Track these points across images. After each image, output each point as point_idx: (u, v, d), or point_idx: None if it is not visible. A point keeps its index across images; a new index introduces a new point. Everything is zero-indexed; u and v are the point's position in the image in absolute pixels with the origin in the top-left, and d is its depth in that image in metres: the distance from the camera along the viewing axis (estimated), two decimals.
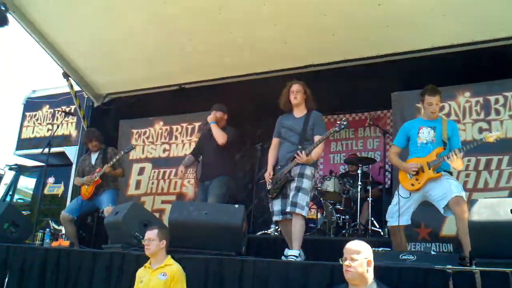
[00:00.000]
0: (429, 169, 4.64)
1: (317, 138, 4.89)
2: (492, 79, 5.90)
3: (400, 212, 4.72)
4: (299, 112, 5.19)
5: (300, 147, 4.87)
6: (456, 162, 4.53)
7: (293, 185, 4.84)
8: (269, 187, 5.06)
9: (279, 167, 5.07)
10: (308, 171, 4.86)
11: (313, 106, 5.18)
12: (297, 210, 4.74)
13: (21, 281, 5.11)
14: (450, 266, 3.54)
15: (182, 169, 6.24)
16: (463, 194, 4.55)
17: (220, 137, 5.94)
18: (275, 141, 5.28)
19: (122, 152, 6.61)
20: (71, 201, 7.99)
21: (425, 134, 4.80)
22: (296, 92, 5.18)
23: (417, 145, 4.83)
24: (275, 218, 5.08)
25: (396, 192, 4.86)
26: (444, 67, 6.09)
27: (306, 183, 4.83)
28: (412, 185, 4.73)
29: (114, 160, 6.52)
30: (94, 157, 6.82)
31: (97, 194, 6.55)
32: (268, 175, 5.10)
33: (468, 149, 4.64)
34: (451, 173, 4.76)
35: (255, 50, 6.80)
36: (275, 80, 7.18)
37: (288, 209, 4.82)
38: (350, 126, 8.54)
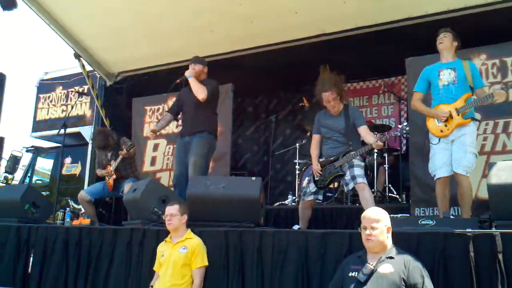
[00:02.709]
0: (458, 115, 4.62)
1: (363, 128, 5.11)
2: (508, 40, 5.77)
3: (438, 163, 4.72)
4: (336, 108, 5.27)
5: (350, 143, 5.08)
6: (500, 95, 4.52)
7: (348, 175, 5.05)
8: (316, 178, 5.21)
9: (324, 160, 5.22)
10: (356, 161, 5.06)
11: (344, 96, 5.33)
12: (359, 180, 4.95)
13: (45, 259, 5.21)
14: (469, 230, 3.53)
15: (153, 128, 6.15)
16: (472, 168, 4.60)
17: (200, 92, 5.64)
18: (316, 137, 5.41)
19: (125, 151, 6.47)
20: (89, 180, 8.10)
21: (446, 76, 4.76)
22: (332, 101, 5.20)
23: (438, 88, 4.80)
24: (306, 198, 5.27)
25: (431, 145, 4.85)
26: (458, 30, 5.97)
27: (357, 170, 5.04)
28: (441, 131, 4.73)
29: (115, 164, 6.56)
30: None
31: (119, 185, 6.67)
32: (316, 166, 5.24)
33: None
34: (477, 120, 4.79)
35: (265, 22, 6.71)
36: (287, 51, 7.14)
37: (351, 185, 5.02)
38: (364, 94, 8.50)
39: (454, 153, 4.64)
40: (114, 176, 6.61)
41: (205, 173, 5.75)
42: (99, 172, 6.93)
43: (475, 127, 4.78)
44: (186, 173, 5.70)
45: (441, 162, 4.70)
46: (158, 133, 6.29)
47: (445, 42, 4.85)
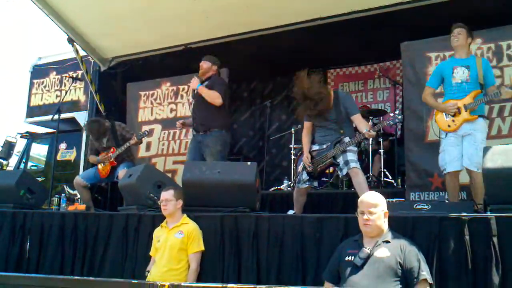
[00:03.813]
0: (466, 111, 4.67)
1: (356, 117, 5.06)
2: (504, 24, 5.76)
3: (448, 158, 4.76)
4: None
5: (342, 131, 5.04)
6: (507, 93, 4.58)
7: (341, 161, 5.01)
8: (309, 169, 5.16)
9: (317, 149, 5.19)
10: (349, 147, 5.02)
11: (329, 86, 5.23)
12: (352, 165, 4.91)
13: (41, 245, 5.21)
14: (464, 214, 3.55)
15: (180, 122, 6.30)
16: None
17: (214, 99, 5.75)
18: (307, 124, 5.35)
19: (137, 138, 6.50)
20: (84, 165, 8.08)
21: (460, 74, 4.80)
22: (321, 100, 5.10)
23: (452, 85, 4.85)
24: (300, 185, 5.24)
25: (440, 139, 4.92)
26: (453, 14, 5.92)
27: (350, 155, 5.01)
28: (449, 126, 4.79)
29: (125, 147, 6.52)
30: (104, 137, 6.81)
31: (114, 170, 6.66)
32: (306, 158, 5.19)
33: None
34: (486, 118, 4.83)
35: (260, 7, 6.65)
36: (282, 35, 7.09)
37: (345, 170, 4.97)
38: (359, 78, 8.49)
39: (465, 149, 4.68)
40: (115, 163, 6.58)
41: None
42: (92, 158, 6.89)
43: (485, 124, 4.81)
44: None
45: (451, 157, 4.75)
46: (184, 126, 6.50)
47: (460, 39, 4.87)
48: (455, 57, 4.95)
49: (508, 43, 5.70)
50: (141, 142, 6.92)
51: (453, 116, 4.74)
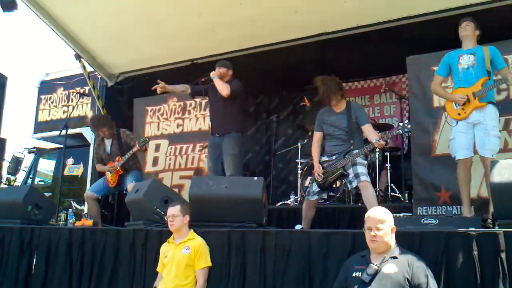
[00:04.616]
0: (475, 98, 4.71)
1: (367, 127, 5.10)
2: (506, 38, 5.76)
3: (457, 146, 4.80)
4: (339, 106, 5.27)
5: (352, 142, 5.07)
6: None
7: (351, 173, 5.02)
8: (319, 179, 5.17)
9: (327, 160, 5.20)
10: (359, 160, 5.04)
11: (345, 94, 5.36)
12: (362, 178, 4.93)
13: (48, 261, 5.22)
14: (472, 229, 3.53)
15: (163, 84, 6.24)
16: (497, 150, 4.72)
17: (223, 88, 5.87)
18: (317, 135, 5.37)
19: (138, 146, 6.45)
20: (91, 180, 8.10)
21: (465, 60, 4.87)
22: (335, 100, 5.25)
23: (458, 72, 4.90)
24: (310, 197, 5.23)
25: (451, 127, 4.94)
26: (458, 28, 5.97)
27: (361, 168, 5.02)
28: (459, 114, 4.83)
29: (128, 155, 6.49)
30: (108, 143, 6.80)
31: (122, 179, 6.63)
32: (317, 168, 5.20)
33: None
34: (495, 105, 4.83)
35: (266, 21, 6.71)
36: (288, 50, 7.14)
37: (354, 183, 4.98)
38: (365, 93, 8.50)
39: (478, 137, 4.72)
40: (120, 172, 6.59)
41: (239, 171, 5.96)
42: (100, 167, 6.89)
43: (496, 110, 4.83)
44: (220, 169, 5.97)
45: (461, 144, 4.78)
46: (163, 89, 6.33)
47: (468, 30, 4.94)
48: (462, 48, 5.00)
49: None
50: (146, 149, 6.87)
51: (463, 104, 4.78)
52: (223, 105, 5.99)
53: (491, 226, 4.04)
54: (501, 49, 5.17)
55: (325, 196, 5.59)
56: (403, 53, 6.35)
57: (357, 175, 4.96)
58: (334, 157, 5.14)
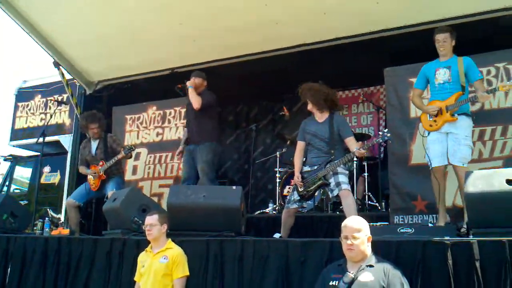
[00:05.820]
0: (447, 112, 4.87)
1: (349, 139, 5.15)
2: (484, 51, 5.87)
3: (432, 154, 4.96)
4: (322, 116, 5.30)
5: (332, 152, 5.09)
6: (483, 98, 4.84)
7: (333, 182, 5.06)
8: (300, 189, 5.19)
9: (308, 170, 5.22)
10: (341, 169, 5.09)
11: (334, 104, 5.37)
12: (343, 186, 4.99)
13: (23, 270, 5.16)
14: (448, 238, 3.59)
15: (180, 149, 6.59)
16: (468, 159, 4.86)
17: (195, 101, 6.20)
18: (300, 144, 5.40)
19: (123, 153, 6.43)
20: (69, 188, 8.01)
21: (441, 75, 5.04)
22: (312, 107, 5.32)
23: (435, 86, 5.09)
24: (290, 205, 5.26)
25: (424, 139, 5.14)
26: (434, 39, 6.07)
27: (342, 177, 5.08)
28: (430, 125, 5.03)
29: (112, 162, 6.45)
30: (94, 145, 6.75)
31: (104, 184, 6.58)
32: (297, 179, 5.23)
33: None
34: (469, 116, 4.96)
35: (246, 32, 6.74)
36: (268, 60, 7.18)
37: (336, 191, 5.02)
38: (343, 102, 8.58)
39: (450, 146, 4.88)
40: (103, 177, 6.54)
41: (213, 177, 6.28)
42: (83, 170, 6.83)
43: (470, 120, 4.97)
44: (194, 175, 6.29)
45: (435, 153, 4.95)
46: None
47: (447, 48, 5.06)
48: (439, 59, 5.13)
49: (488, 69, 5.76)
50: (131, 156, 6.92)
51: (436, 116, 4.95)
52: (196, 116, 6.30)
53: (465, 235, 4.10)
54: (478, 61, 5.31)
55: (305, 204, 5.61)
56: (381, 64, 6.45)
57: (338, 184, 5.01)
58: (315, 167, 5.17)
